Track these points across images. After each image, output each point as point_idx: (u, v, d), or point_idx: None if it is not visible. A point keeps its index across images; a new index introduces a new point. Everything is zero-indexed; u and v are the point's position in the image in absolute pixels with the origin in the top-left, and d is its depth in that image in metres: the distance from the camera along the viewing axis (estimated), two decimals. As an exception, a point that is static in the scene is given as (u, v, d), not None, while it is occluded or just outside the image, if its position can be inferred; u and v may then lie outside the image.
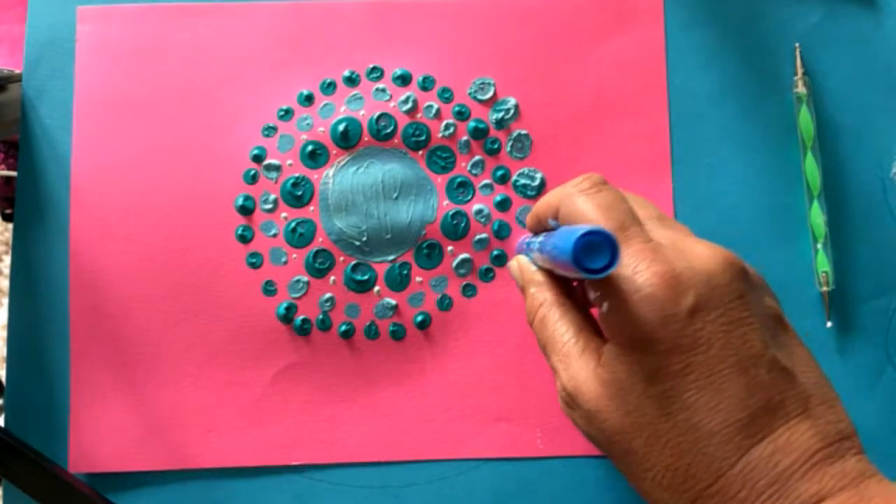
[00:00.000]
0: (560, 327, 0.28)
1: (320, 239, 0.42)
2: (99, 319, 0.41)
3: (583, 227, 0.22)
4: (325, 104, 0.43)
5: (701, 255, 0.25)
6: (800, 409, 0.24)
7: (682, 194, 0.42)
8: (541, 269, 0.31)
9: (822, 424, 0.24)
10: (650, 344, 0.24)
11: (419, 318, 0.41)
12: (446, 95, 0.43)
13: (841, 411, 0.25)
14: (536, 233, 0.33)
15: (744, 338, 0.24)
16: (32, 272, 0.42)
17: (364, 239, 0.42)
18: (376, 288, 0.42)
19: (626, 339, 0.25)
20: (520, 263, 0.32)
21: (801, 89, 0.42)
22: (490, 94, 0.43)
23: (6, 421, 0.41)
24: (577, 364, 0.27)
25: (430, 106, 0.43)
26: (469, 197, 0.42)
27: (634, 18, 0.43)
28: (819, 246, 0.41)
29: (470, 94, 0.43)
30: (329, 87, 0.43)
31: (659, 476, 0.25)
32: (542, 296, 0.30)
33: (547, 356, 0.29)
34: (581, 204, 0.27)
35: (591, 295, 0.26)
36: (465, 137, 0.43)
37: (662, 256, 0.25)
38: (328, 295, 0.42)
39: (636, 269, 0.25)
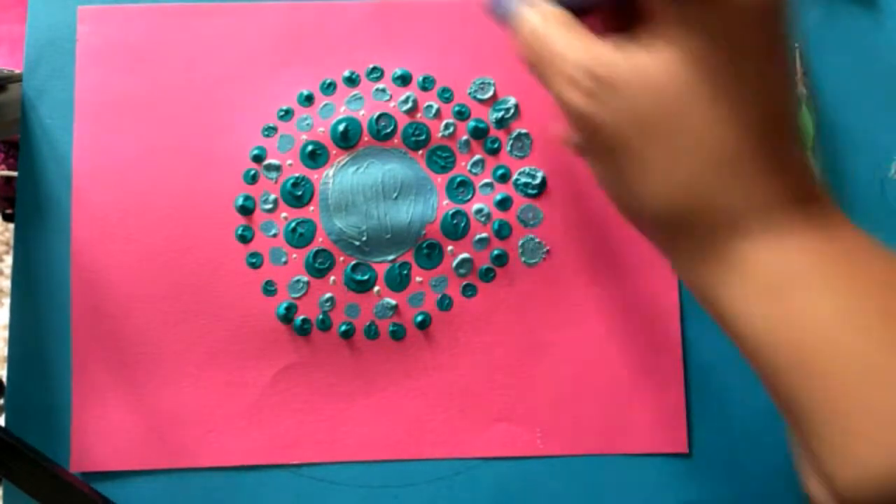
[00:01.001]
0: (572, 27, 0.26)
1: (320, 239, 0.42)
2: (100, 319, 0.41)
3: None
4: (325, 104, 0.43)
5: None
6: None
7: (681, 194, 0.42)
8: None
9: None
10: (776, 13, 0.24)
11: (419, 318, 0.41)
12: (446, 95, 0.43)
13: None
14: None
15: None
16: (33, 272, 0.42)
17: (364, 239, 0.42)
18: (376, 288, 0.42)
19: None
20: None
21: (800, 89, 0.42)
22: (490, 93, 0.43)
23: (6, 421, 0.41)
24: (620, 45, 0.25)
25: (430, 106, 0.43)
26: (469, 196, 0.42)
27: (634, 18, 0.43)
28: (819, 246, 0.41)
29: (470, 93, 0.43)
30: (329, 87, 0.43)
31: (716, 150, 0.24)
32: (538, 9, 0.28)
33: (547, 61, 0.26)
34: None
35: None
36: (465, 137, 0.43)
37: None
38: (328, 295, 0.42)
39: None
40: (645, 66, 0.24)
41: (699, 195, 0.24)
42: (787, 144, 0.25)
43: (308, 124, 0.43)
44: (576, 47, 0.26)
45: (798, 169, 0.25)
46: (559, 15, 0.27)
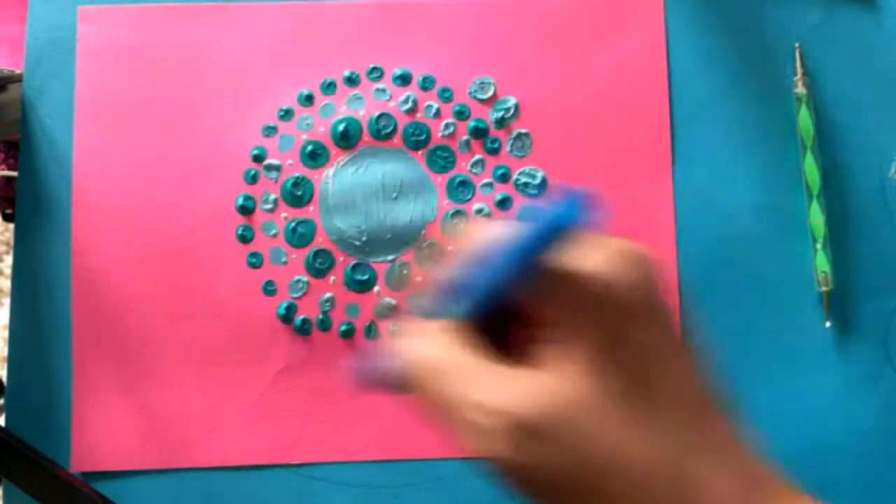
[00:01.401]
0: (477, 353, 0.23)
1: (320, 239, 0.42)
2: (100, 319, 0.41)
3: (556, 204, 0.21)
4: (325, 104, 0.43)
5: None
6: None
7: (682, 194, 0.42)
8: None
9: None
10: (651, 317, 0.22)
11: (419, 318, 0.41)
12: (446, 95, 0.43)
13: None
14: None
15: None
16: (33, 272, 0.42)
17: (364, 239, 0.42)
18: (376, 288, 0.42)
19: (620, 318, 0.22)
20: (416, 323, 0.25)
21: (800, 89, 0.42)
22: (490, 93, 0.43)
23: (6, 421, 0.41)
24: (541, 376, 0.22)
25: (430, 106, 0.43)
26: (469, 196, 0.42)
27: (634, 18, 0.43)
28: (818, 246, 0.41)
29: (470, 93, 0.43)
30: (329, 87, 0.43)
31: (652, 476, 0.22)
32: (437, 337, 0.23)
33: (454, 406, 0.22)
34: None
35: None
36: (465, 137, 0.43)
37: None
38: (328, 295, 0.42)
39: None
40: (559, 395, 0.22)
41: None
42: (724, 436, 0.23)
43: (308, 124, 0.43)
44: (484, 387, 0.22)
45: (742, 455, 0.23)
46: (454, 344, 0.23)
